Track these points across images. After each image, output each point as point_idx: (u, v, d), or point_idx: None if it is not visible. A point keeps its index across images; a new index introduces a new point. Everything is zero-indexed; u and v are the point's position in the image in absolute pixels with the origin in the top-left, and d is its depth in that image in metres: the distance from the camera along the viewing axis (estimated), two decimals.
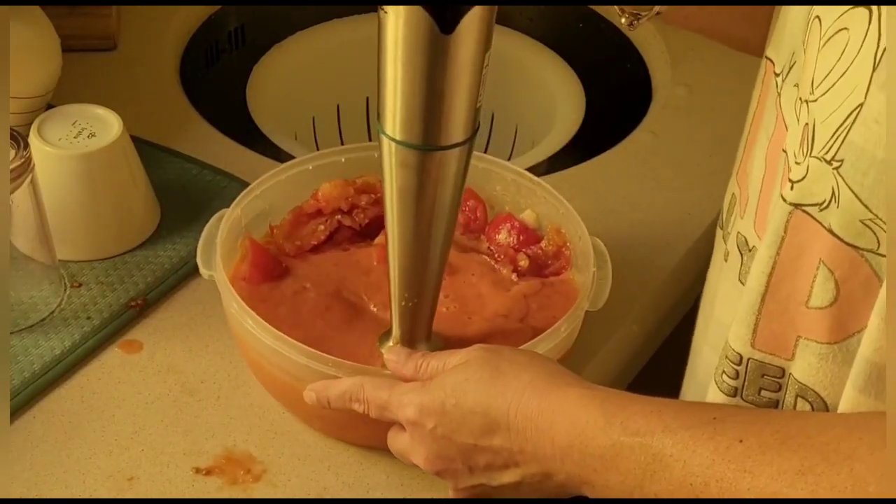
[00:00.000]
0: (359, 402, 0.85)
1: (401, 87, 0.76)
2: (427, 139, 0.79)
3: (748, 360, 0.76)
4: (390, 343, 0.91)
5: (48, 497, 0.89)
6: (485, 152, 1.44)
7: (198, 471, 0.92)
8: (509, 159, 1.39)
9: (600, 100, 1.39)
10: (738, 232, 0.85)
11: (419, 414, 0.81)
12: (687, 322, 1.11)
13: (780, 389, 0.76)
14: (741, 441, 0.68)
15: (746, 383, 0.77)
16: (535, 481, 0.78)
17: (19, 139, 0.95)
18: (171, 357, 1.00)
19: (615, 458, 0.72)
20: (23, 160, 0.94)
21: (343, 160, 1.04)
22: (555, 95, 1.38)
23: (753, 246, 0.83)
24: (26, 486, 0.90)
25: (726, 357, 0.78)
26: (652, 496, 0.71)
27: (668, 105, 1.30)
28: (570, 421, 0.74)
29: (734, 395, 0.78)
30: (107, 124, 1.05)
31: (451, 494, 0.84)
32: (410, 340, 0.90)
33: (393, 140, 0.79)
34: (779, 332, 0.75)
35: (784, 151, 0.76)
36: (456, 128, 0.79)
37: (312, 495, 0.91)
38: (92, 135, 1.04)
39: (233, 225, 0.98)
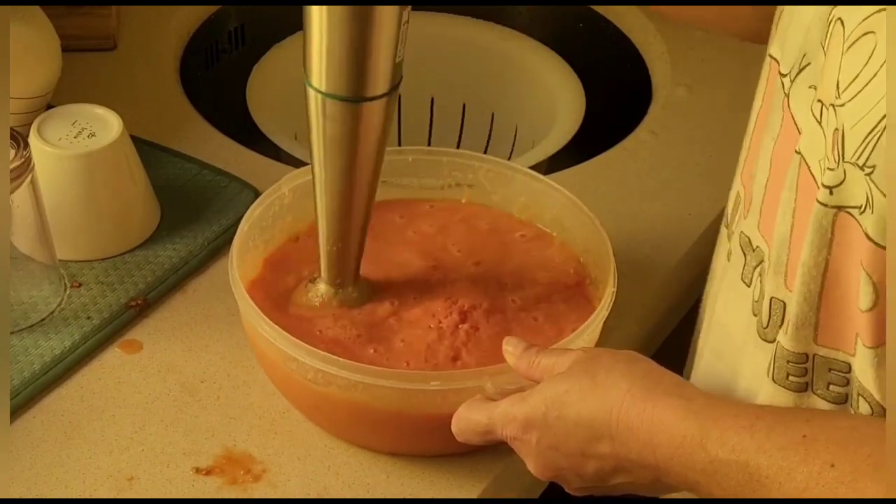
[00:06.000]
0: (461, 431, 0.86)
1: (326, 42, 0.83)
2: (353, 91, 0.85)
3: (814, 356, 0.76)
4: (320, 286, 0.95)
5: (48, 497, 0.89)
6: (485, 152, 1.45)
7: (198, 471, 0.92)
8: (509, 159, 1.39)
9: (600, 100, 1.39)
10: (742, 232, 0.85)
11: (522, 429, 0.82)
12: (687, 322, 1.11)
13: (847, 384, 0.76)
14: (833, 466, 0.69)
15: (815, 378, 0.77)
16: (646, 482, 0.79)
17: (19, 139, 0.95)
18: (171, 357, 1.00)
19: (714, 475, 0.73)
20: (23, 160, 0.94)
21: (411, 160, 1.06)
22: (555, 95, 1.38)
23: (757, 246, 0.82)
24: (26, 486, 0.90)
25: (788, 361, 0.77)
26: None
27: (668, 105, 1.30)
28: (669, 434, 0.75)
29: (805, 391, 0.78)
30: (107, 124, 1.05)
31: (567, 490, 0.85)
32: (339, 283, 0.95)
33: (320, 92, 0.86)
34: (839, 327, 0.75)
35: (798, 153, 0.75)
36: (379, 80, 0.86)
37: (312, 495, 0.91)
38: (92, 135, 1.04)
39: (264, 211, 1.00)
